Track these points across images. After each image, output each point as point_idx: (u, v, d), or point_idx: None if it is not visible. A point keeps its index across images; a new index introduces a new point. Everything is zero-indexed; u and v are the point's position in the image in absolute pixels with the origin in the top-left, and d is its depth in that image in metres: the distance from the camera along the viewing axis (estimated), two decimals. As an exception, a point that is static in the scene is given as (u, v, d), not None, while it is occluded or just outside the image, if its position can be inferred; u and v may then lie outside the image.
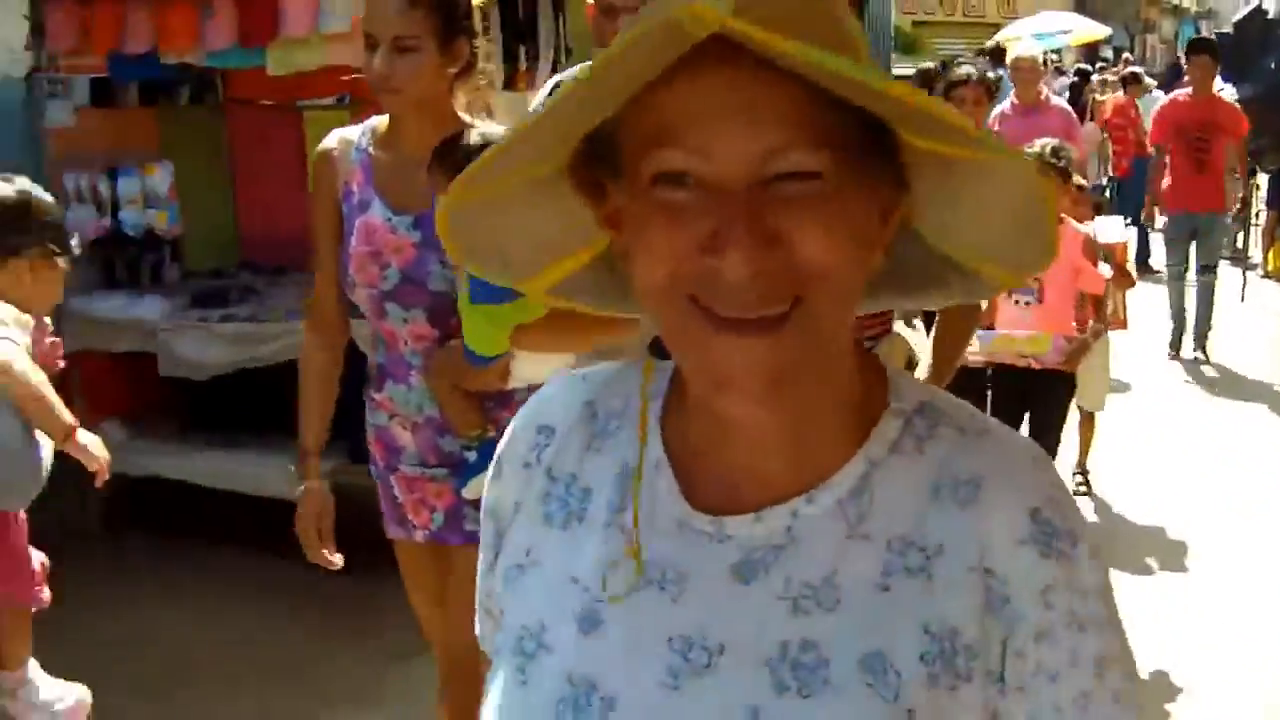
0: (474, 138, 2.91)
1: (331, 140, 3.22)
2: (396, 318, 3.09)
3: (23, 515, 2.41)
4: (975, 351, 4.93)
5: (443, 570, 3.27)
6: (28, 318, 2.36)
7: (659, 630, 1.07)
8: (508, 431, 1.25)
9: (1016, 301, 5.35)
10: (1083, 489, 6.81)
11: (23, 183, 2.47)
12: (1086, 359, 5.58)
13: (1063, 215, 5.44)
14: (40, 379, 2.25)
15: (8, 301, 2.40)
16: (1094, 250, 5.55)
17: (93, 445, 2.25)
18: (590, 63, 0.95)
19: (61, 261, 2.44)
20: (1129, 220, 14.47)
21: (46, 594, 2.50)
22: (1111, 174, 15.13)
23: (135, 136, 6.65)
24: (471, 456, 3.12)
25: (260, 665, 4.75)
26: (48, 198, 2.49)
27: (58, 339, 2.52)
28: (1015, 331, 5.31)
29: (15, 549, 2.35)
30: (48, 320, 2.45)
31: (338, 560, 3.25)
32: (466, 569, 3.05)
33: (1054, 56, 18.83)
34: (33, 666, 2.47)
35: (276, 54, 5.56)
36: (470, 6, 3.09)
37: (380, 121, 3.18)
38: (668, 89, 0.96)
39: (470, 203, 1.09)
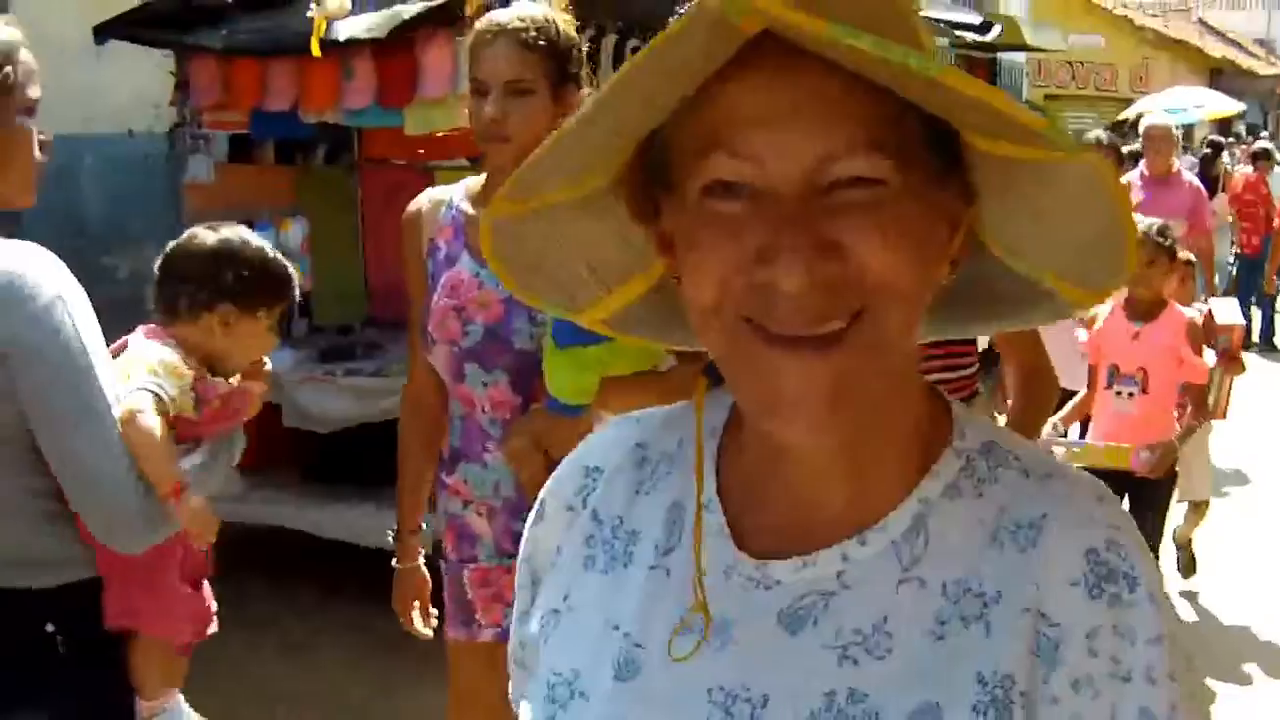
0: None
1: (422, 199, 3.12)
2: (476, 380, 2.93)
3: (182, 550, 2.43)
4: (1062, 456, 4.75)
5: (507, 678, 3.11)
6: (188, 372, 2.37)
7: (700, 680, 1.01)
8: (555, 473, 1.20)
9: (1119, 393, 5.11)
10: (1182, 571, 6.42)
11: (230, 232, 2.46)
12: (1186, 448, 5.35)
13: (1169, 299, 5.28)
14: (159, 432, 2.24)
15: (203, 354, 2.43)
16: (1199, 337, 5.28)
17: (195, 509, 2.24)
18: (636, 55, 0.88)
19: (263, 315, 2.42)
20: (1254, 300, 14.22)
21: (195, 630, 2.50)
22: (1240, 251, 14.81)
23: (272, 192, 6.80)
24: None
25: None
26: (259, 248, 2.47)
27: (246, 389, 2.51)
28: (1098, 443, 5.09)
29: (155, 581, 2.38)
30: (231, 380, 2.46)
31: (428, 631, 3.20)
32: None
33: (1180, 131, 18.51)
34: (177, 701, 2.49)
35: (414, 114, 5.66)
36: (582, 54, 2.94)
37: (476, 180, 3.06)
38: (719, 92, 0.91)
39: (521, 216, 1.04)
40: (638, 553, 1.09)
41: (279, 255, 2.55)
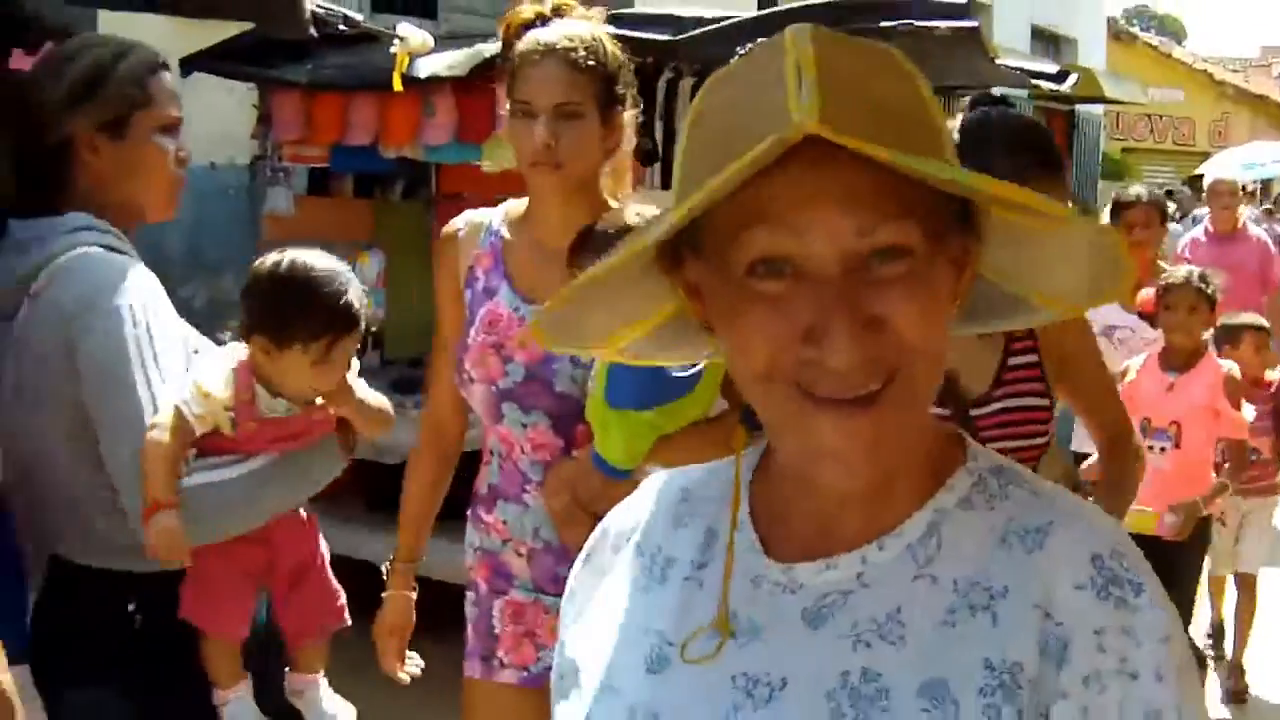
0: (630, 217, 2.59)
1: (459, 221, 2.93)
2: (515, 422, 2.74)
3: (230, 548, 2.44)
4: None
5: None
6: (219, 393, 2.40)
7: (725, 670, 1.10)
8: (606, 518, 1.30)
9: (1151, 448, 4.75)
10: (1210, 652, 6.03)
11: (290, 259, 2.43)
12: (1246, 515, 5.22)
13: (1207, 346, 5.16)
14: (160, 447, 2.29)
15: (261, 377, 2.46)
16: (1238, 391, 5.10)
17: (161, 528, 2.27)
18: (704, 187, 0.98)
19: (299, 348, 2.38)
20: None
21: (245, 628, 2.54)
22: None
23: (349, 225, 6.88)
24: None
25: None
26: (312, 279, 2.41)
27: (304, 416, 2.51)
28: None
29: (203, 580, 2.41)
30: (267, 406, 2.47)
31: (406, 677, 3.02)
32: None
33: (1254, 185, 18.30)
34: (242, 693, 2.53)
35: (491, 151, 5.70)
36: (630, 74, 2.79)
37: (516, 205, 2.89)
38: (762, 180, 0.99)
39: (567, 297, 1.13)
40: (672, 573, 1.20)
41: (345, 286, 2.46)
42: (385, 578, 3.04)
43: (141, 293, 2.35)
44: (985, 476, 1.13)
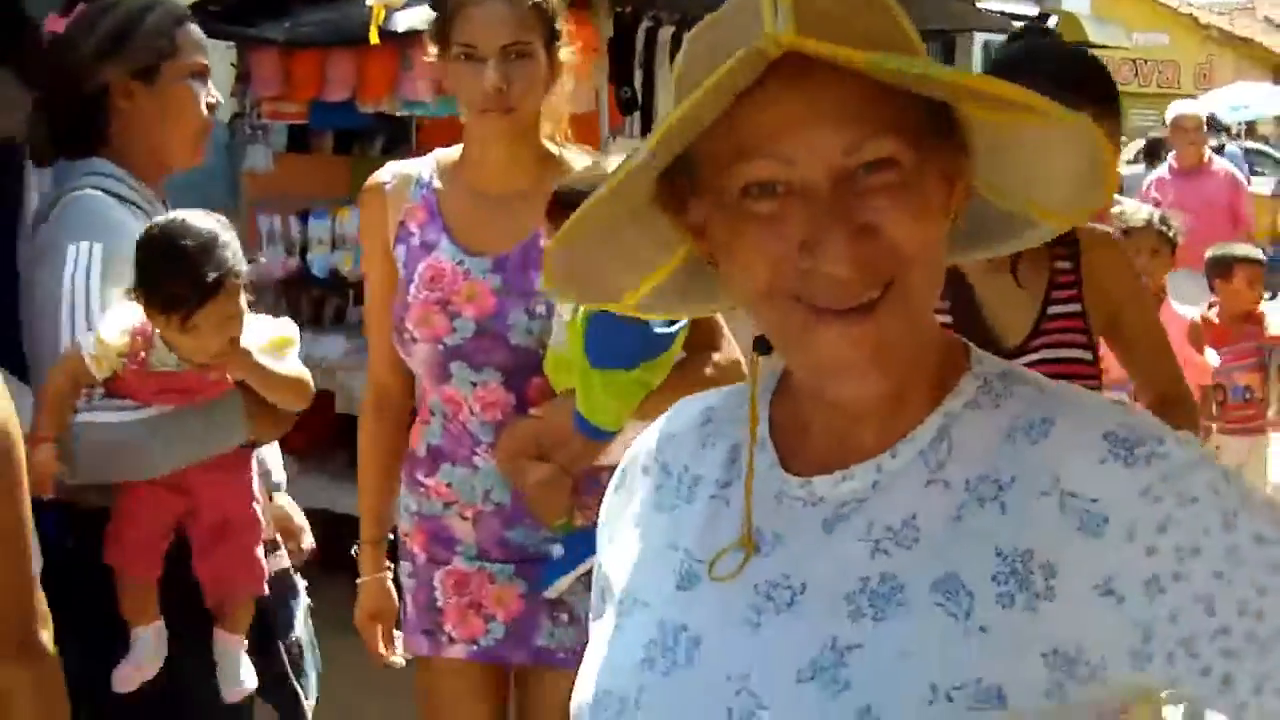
0: (580, 167, 2.53)
1: (384, 174, 2.75)
2: (463, 381, 2.60)
3: (146, 493, 2.51)
4: None
5: (490, 699, 2.78)
6: (113, 341, 2.43)
7: (748, 581, 1.14)
8: (635, 443, 1.35)
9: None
10: None
11: (167, 226, 2.44)
12: (1240, 456, 5.14)
13: (1165, 296, 5.09)
14: (52, 384, 2.37)
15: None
16: (1200, 338, 5.08)
17: (36, 460, 2.30)
18: (680, 105, 1.02)
19: (162, 314, 2.39)
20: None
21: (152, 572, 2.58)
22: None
23: (329, 182, 6.86)
24: (556, 550, 2.62)
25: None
26: (175, 249, 2.39)
27: (160, 374, 2.50)
28: None
29: (122, 517, 2.50)
30: (158, 360, 2.50)
31: (400, 661, 2.87)
32: (543, 698, 2.69)
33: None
34: (147, 636, 2.58)
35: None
36: (562, 8, 2.65)
37: (447, 153, 2.74)
38: (743, 107, 1.03)
39: (570, 238, 1.16)
40: (700, 491, 1.24)
41: (209, 255, 2.38)
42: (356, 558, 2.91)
43: (106, 239, 2.44)
44: (990, 379, 1.17)
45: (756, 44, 0.97)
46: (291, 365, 2.61)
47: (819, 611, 1.10)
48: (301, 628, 2.93)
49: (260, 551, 2.68)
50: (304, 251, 6.41)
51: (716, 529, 1.20)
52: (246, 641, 2.66)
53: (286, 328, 2.62)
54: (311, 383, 2.64)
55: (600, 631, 1.24)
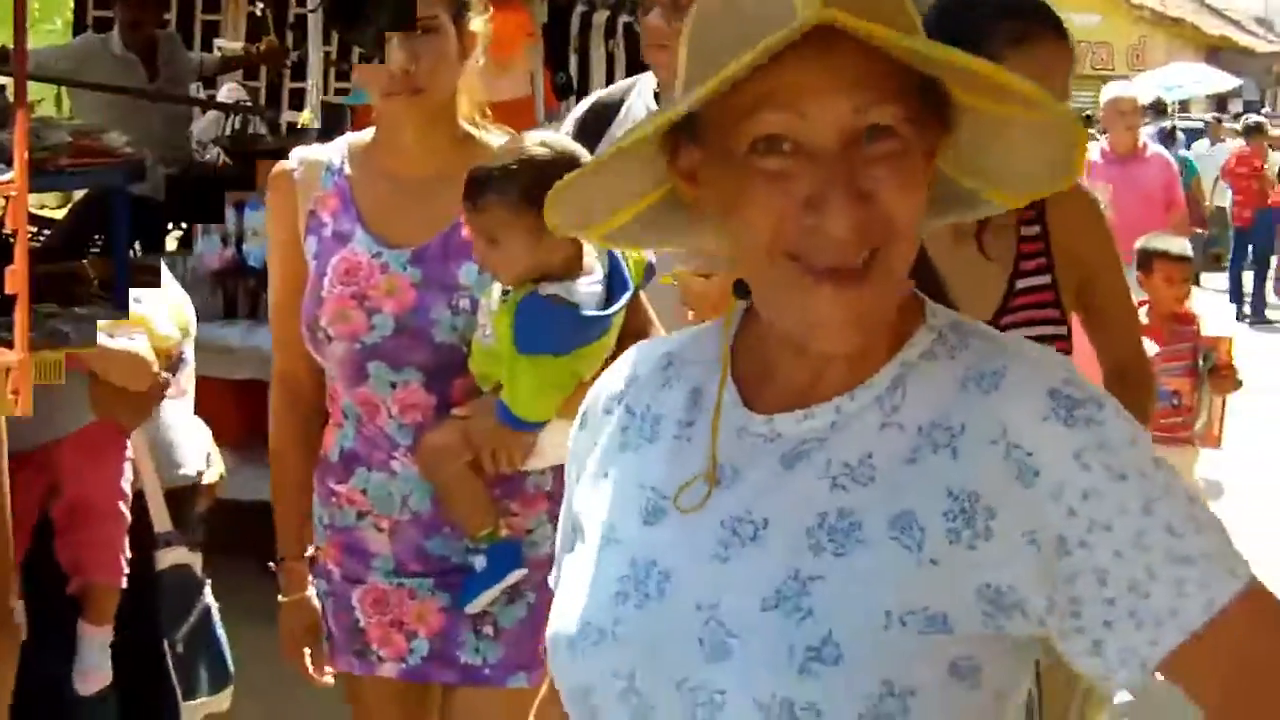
0: (534, 147, 2.31)
1: (290, 161, 2.54)
2: (381, 381, 2.40)
3: (19, 474, 2.49)
4: None
5: (424, 719, 2.61)
6: None
7: (714, 516, 1.20)
8: (595, 385, 1.39)
9: None
10: None
11: None
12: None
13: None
14: None
15: None
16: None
17: None
18: (727, 67, 1.07)
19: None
20: (1243, 270, 14.19)
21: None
22: (1231, 224, 14.86)
23: (265, 172, 6.82)
24: (479, 562, 2.44)
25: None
26: None
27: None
28: None
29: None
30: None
31: (329, 679, 2.64)
32: (469, 717, 2.54)
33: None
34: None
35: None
36: None
37: (359, 137, 2.55)
38: (770, 67, 1.08)
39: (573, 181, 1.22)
40: (662, 430, 1.29)
41: None
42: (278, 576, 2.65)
43: None
44: (945, 332, 1.23)
45: (805, 15, 1.04)
46: (126, 343, 2.61)
47: (782, 545, 1.16)
48: (200, 627, 2.86)
49: (124, 544, 2.67)
50: (240, 242, 6.36)
51: (680, 466, 1.25)
52: (111, 632, 2.64)
53: (158, 310, 2.60)
54: (151, 361, 2.63)
55: (573, 566, 1.30)
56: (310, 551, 2.58)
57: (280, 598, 2.60)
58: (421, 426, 2.42)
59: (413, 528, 2.46)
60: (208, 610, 2.89)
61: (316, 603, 2.59)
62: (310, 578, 2.59)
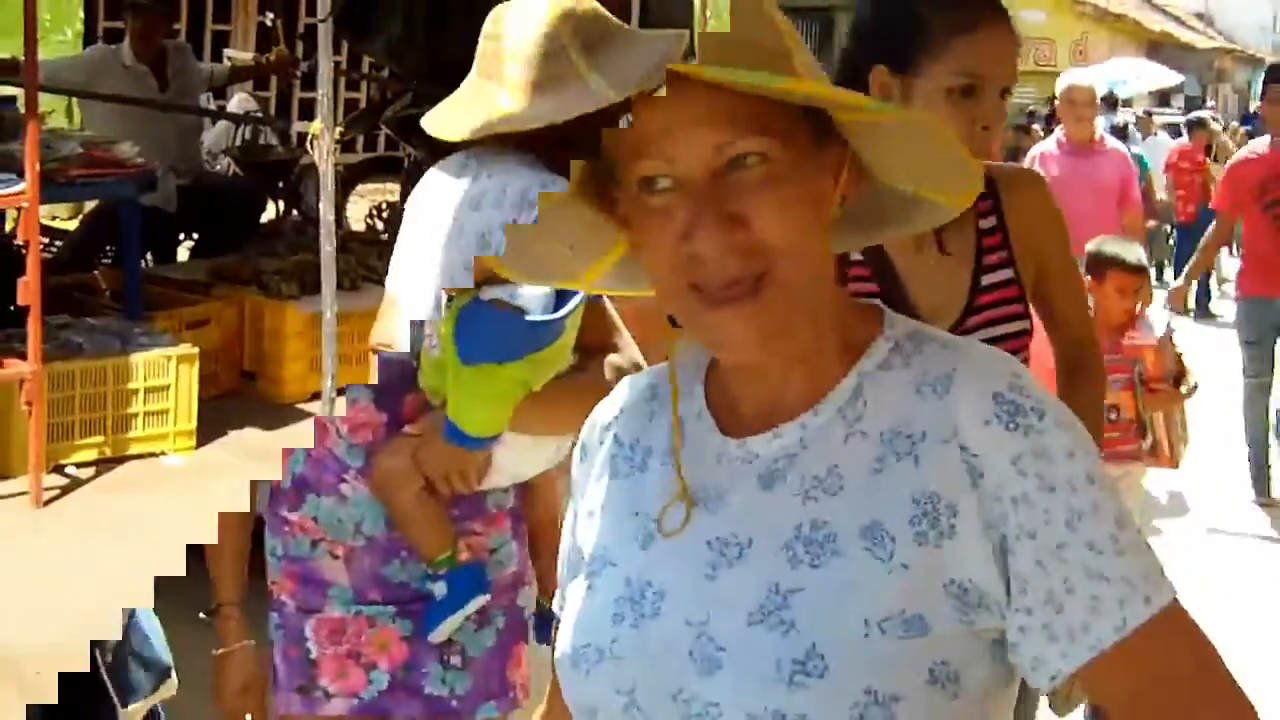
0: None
1: None
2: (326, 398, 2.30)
3: None
4: None
5: None
6: None
7: (701, 538, 1.28)
8: (589, 419, 1.47)
9: None
10: None
11: None
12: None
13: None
14: None
15: None
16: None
17: None
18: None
19: None
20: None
21: None
22: (1175, 220, 14.82)
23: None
24: (439, 589, 2.34)
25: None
26: None
27: None
28: None
29: None
30: None
31: None
32: None
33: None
34: None
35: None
36: None
37: None
38: (642, 110, 1.22)
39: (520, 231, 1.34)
40: (651, 461, 1.37)
41: None
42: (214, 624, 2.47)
43: None
44: (901, 343, 1.29)
45: (675, 66, 1.16)
46: None
47: (763, 561, 1.23)
48: (125, 630, 2.70)
49: None
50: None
51: (668, 493, 1.32)
52: None
53: None
54: None
55: (576, 592, 1.36)
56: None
57: (215, 651, 2.44)
58: (372, 445, 2.34)
59: (368, 554, 2.36)
60: (130, 613, 2.72)
61: (256, 656, 2.45)
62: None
